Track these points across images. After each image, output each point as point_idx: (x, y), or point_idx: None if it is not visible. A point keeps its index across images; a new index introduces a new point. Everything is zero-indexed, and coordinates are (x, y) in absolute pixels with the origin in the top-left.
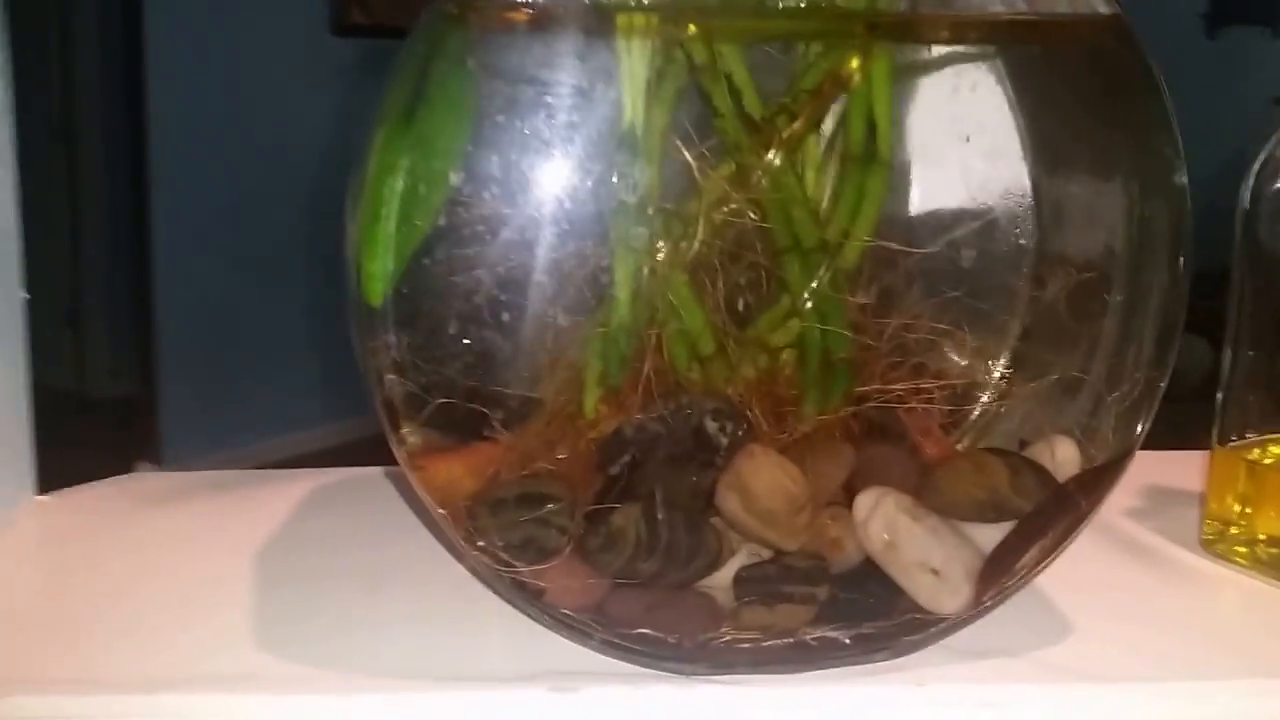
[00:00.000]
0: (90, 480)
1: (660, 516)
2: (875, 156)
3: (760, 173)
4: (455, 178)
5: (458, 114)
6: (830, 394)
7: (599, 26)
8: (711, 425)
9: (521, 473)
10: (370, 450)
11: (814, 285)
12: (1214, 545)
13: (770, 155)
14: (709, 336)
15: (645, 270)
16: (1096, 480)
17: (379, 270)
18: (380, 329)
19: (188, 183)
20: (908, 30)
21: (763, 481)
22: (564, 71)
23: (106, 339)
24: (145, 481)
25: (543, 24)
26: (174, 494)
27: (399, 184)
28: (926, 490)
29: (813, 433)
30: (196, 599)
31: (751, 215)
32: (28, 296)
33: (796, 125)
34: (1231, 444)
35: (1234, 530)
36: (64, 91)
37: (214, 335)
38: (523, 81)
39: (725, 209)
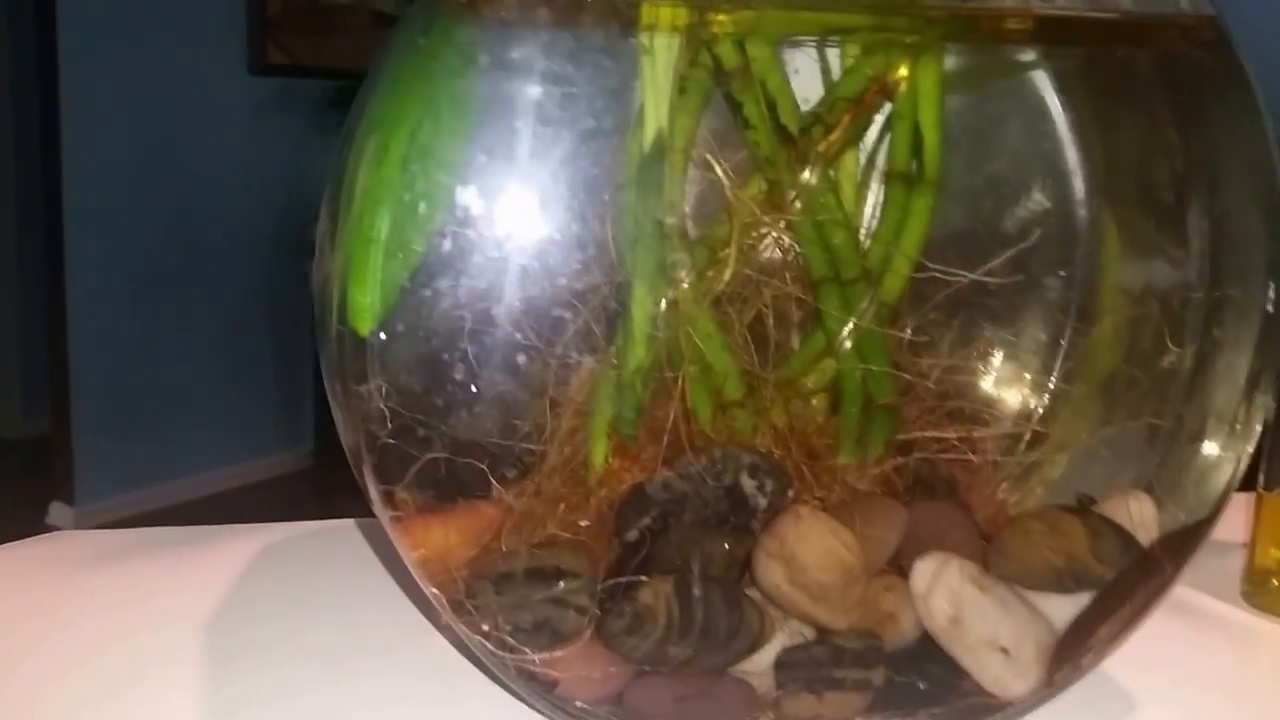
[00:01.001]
0: (3, 520)
1: (696, 593)
2: (922, 175)
3: (795, 193)
4: (463, 194)
5: (466, 118)
6: (872, 443)
7: (627, 17)
8: (749, 483)
9: (530, 541)
10: (285, 489)
11: (854, 321)
12: (1255, 598)
13: (806, 173)
14: (736, 379)
15: (664, 303)
16: (1183, 542)
17: (369, 299)
18: (365, 369)
19: (102, 221)
20: (971, 27)
21: (813, 550)
22: (589, 69)
23: (19, 379)
24: (77, 540)
25: (567, 13)
26: (109, 554)
27: (395, 201)
28: (993, 555)
29: (858, 489)
30: (132, 681)
31: (785, 241)
32: None
33: (834, 138)
34: None
35: (1276, 582)
36: None
37: (128, 374)
38: (547, 81)
39: (755, 234)
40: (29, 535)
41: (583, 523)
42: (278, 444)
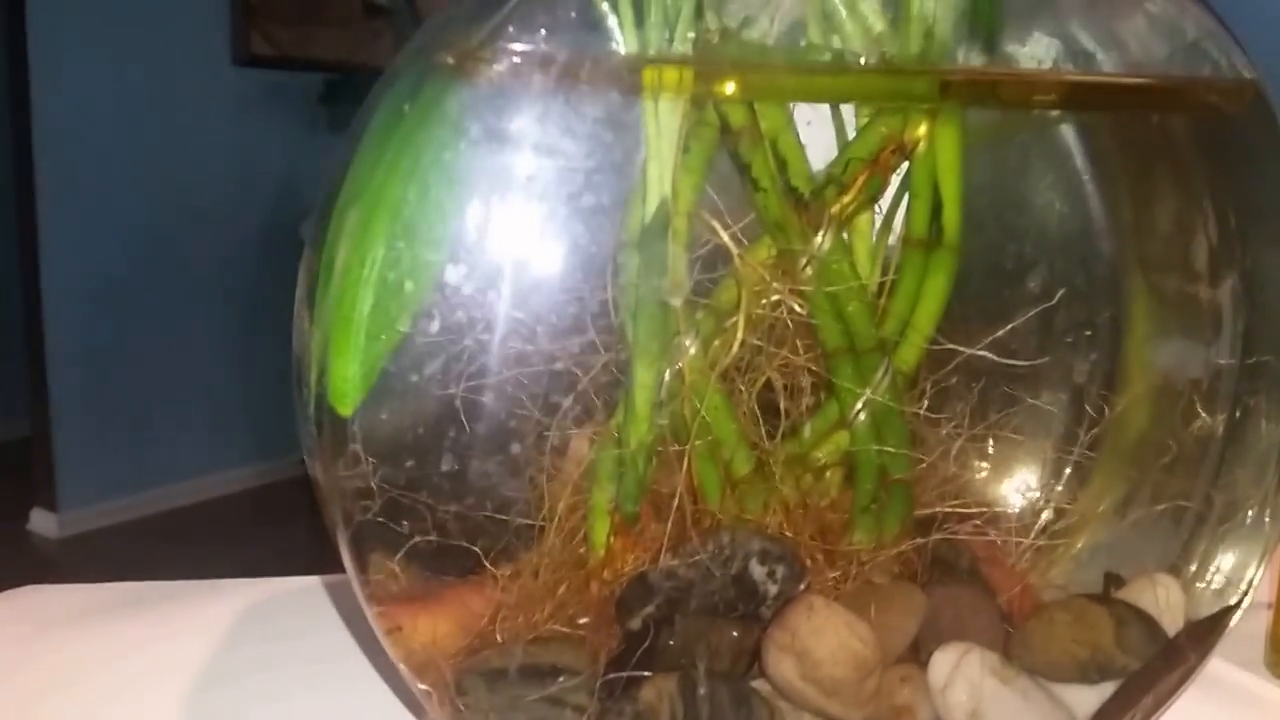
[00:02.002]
0: None
1: (702, 691)
2: (941, 240)
3: (807, 259)
4: (451, 272)
5: (455, 192)
6: (888, 521)
7: (628, 82)
8: (759, 570)
9: (527, 630)
10: (270, 497)
11: (868, 392)
12: (1278, 669)
13: (819, 238)
14: (745, 453)
15: (669, 375)
16: (1210, 630)
17: (351, 379)
18: (345, 451)
19: (80, 217)
20: (990, 94)
21: (826, 644)
22: (587, 139)
23: None
24: (46, 597)
25: (564, 78)
26: (80, 614)
27: (377, 279)
28: (1016, 647)
29: (873, 573)
30: None
31: (796, 309)
32: None
33: (847, 200)
34: None
35: None
36: None
37: (110, 376)
38: (542, 152)
39: (764, 302)
40: (11, 543)
41: (581, 620)
42: (270, 450)
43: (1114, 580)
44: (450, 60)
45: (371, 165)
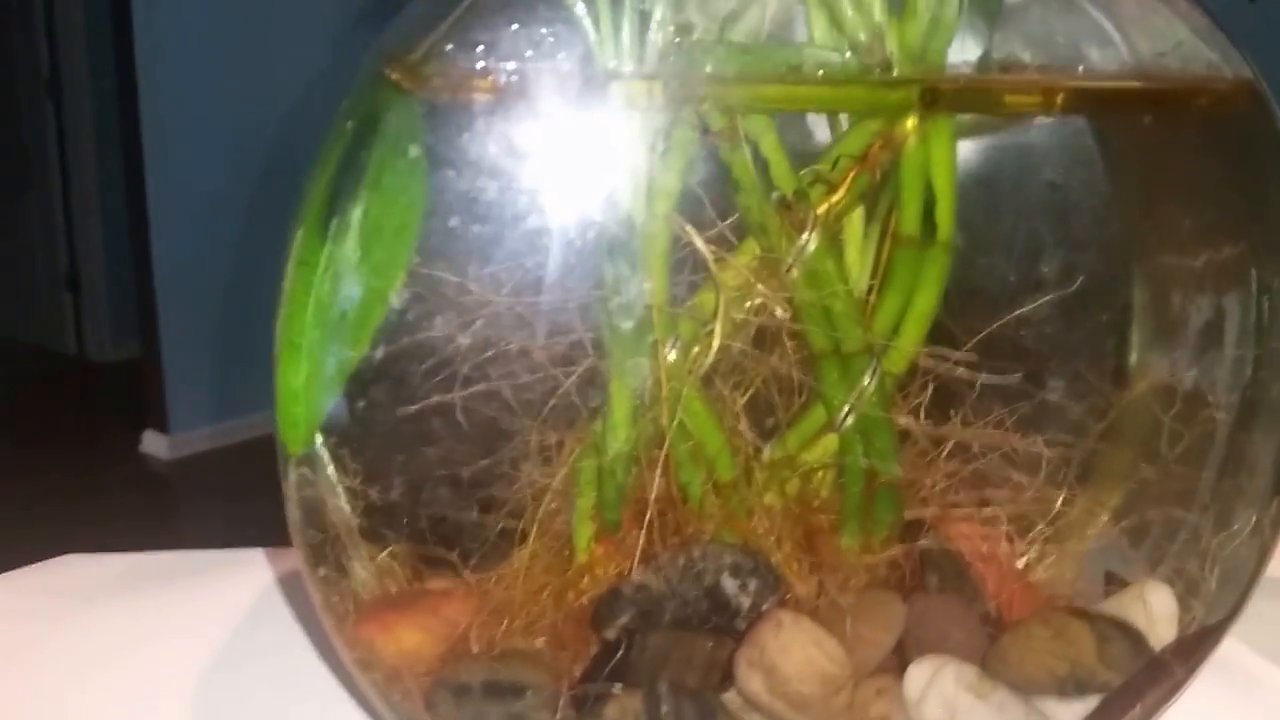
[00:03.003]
0: (98, 444)
1: (665, 709)
2: (933, 238)
3: (791, 261)
4: (396, 298)
5: (400, 215)
6: (877, 525)
7: (589, 99)
8: (730, 583)
9: (501, 641)
10: None
11: (856, 395)
12: None
13: (804, 239)
14: (728, 459)
15: (649, 382)
16: (1197, 646)
17: (300, 412)
18: (306, 468)
19: (185, 137)
20: (978, 103)
21: (793, 661)
22: (542, 159)
23: (106, 302)
24: (82, 566)
25: (515, 96)
26: (111, 585)
27: (324, 303)
28: (994, 659)
29: (856, 582)
30: None
31: (780, 312)
32: None
33: (836, 199)
34: None
35: None
36: (50, 51)
37: (219, 297)
38: (486, 172)
39: (748, 304)
40: (123, 464)
41: (545, 638)
42: None
43: (1113, 583)
44: (395, 76)
45: (317, 185)
